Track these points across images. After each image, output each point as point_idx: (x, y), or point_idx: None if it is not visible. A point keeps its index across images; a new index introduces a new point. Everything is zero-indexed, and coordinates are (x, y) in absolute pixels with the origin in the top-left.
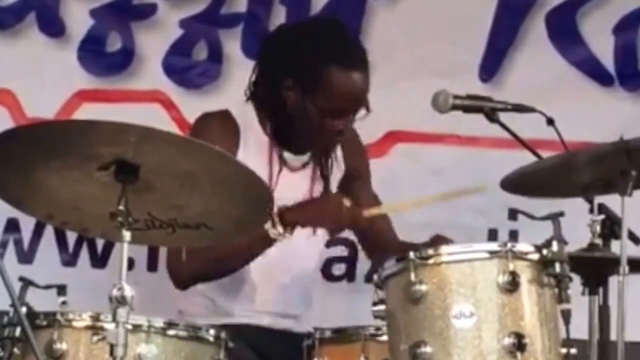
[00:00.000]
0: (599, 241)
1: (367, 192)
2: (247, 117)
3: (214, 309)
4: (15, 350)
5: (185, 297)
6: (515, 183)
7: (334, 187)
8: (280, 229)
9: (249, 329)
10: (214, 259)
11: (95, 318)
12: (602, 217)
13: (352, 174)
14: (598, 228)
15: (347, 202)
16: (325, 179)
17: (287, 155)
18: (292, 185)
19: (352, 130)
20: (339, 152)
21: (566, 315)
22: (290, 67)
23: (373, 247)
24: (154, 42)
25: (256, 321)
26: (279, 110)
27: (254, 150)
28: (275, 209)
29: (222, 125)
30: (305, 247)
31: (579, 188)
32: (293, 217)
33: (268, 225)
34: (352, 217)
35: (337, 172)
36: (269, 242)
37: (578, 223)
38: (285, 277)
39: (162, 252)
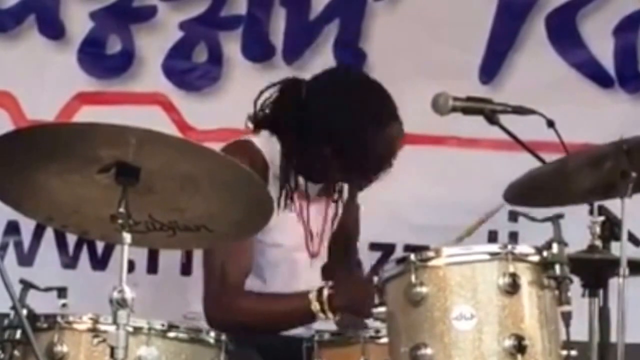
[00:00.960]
0: (598, 243)
1: (355, 256)
2: (272, 150)
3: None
4: (16, 352)
5: (190, 303)
6: (518, 193)
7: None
8: (330, 315)
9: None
10: (252, 324)
11: (96, 320)
12: (601, 218)
13: (346, 233)
14: (598, 230)
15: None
16: (336, 202)
17: (304, 183)
18: (314, 214)
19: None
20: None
21: (566, 317)
22: (329, 136)
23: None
24: (154, 44)
25: None
26: (312, 163)
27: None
28: (326, 291)
29: (250, 160)
30: (310, 270)
31: (579, 194)
32: (341, 304)
33: (316, 307)
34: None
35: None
36: (313, 321)
37: (578, 225)
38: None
39: (162, 255)
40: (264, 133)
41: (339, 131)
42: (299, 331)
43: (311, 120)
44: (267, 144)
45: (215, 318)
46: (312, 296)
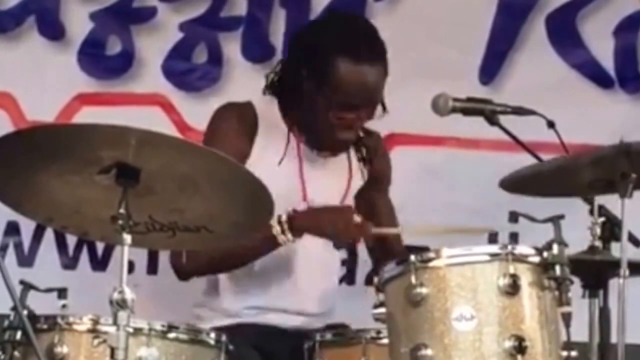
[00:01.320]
0: (599, 244)
1: (385, 201)
2: (269, 108)
3: (221, 310)
4: (16, 353)
5: (191, 305)
6: (515, 184)
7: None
8: (289, 235)
9: (256, 328)
10: (218, 256)
11: (96, 321)
12: (602, 219)
13: (375, 180)
14: (598, 230)
15: (357, 218)
16: (351, 177)
17: (308, 151)
18: (317, 180)
19: (374, 134)
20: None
21: (567, 318)
22: (306, 57)
23: (380, 255)
24: (154, 45)
25: (263, 320)
26: (297, 102)
27: (272, 140)
28: (285, 215)
29: (239, 115)
30: (323, 248)
31: (579, 191)
32: (302, 224)
33: (277, 230)
34: (360, 232)
35: (358, 178)
36: (275, 245)
37: (578, 225)
38: (302, 274)
39: (162, 255)
40: (268, 96)
41: (316, 55)
42: (308, 326)
43: (295, 48)
44: (267, 103)
45: (183, 265)
46: (273, 221)
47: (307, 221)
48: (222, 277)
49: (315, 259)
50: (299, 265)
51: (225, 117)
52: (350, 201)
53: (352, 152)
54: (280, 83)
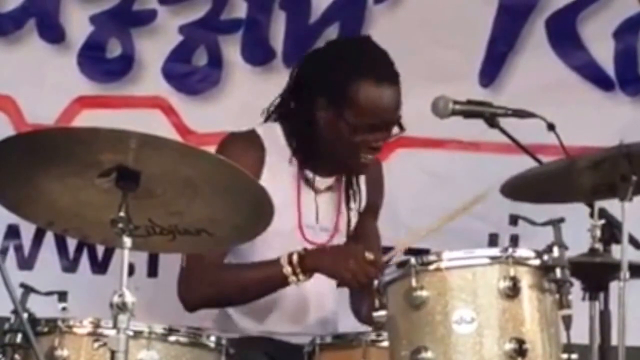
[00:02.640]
0: (599, 246)
1: (373, 228)
2: (273, 135)
3: (226, 326)
4: (16, 356)
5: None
6: (515, 189)
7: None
8: (301, 276)
9: (261, 340)
10: (226, 292)
11: (96, 324)
12: (602, 222)
13: (369, 208)
14: (598, 233)
15: (370, 256)
16: (349, 209)
17: (311, 176)
18: (319, 208)
19: (377, 164)
20: (362, 184)
21: (567, 321)
22: (322, 85)
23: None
24: (154, 48)
25: (269, 335)
26: (310, 130)
27: (278, 169)
28: (296, 255)
29: (247, 145)
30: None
31: (579, 193)
32: (314, 265)
33: (287, 270)
34: (373, 271)
35: (359, 206)
36: (285, 284)
37: (579, 228)
38: (300, 300)
39: (162, 258)
40: (269, 123)
41: (333, 82)
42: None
43: (305, 78)
44: (270, 131)
45: (192, 294)
46: (284, 260)
47: (319, 262)
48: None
49: (322, 281)
50: (308, 289)
51: (232, 148)
52: (338, 237)
53: (346, 184)
54: (284, 108)
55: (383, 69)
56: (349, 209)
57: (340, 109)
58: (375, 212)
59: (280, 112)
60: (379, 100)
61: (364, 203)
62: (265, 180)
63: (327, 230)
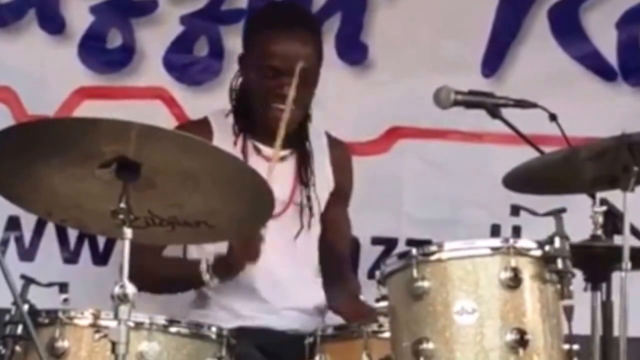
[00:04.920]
0: (600, 232)
1: (344, 215)
2: (223, 120)
3: (225, 315)
4: (17, 348)
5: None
6: (517, 180)
7: (323, 194)
8: (215, 281)
9: (259, 332)
10: (150, 281)
11: (97, 316)
12: (604, 208)
13: (339, 194)
14: (600, 219)
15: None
16: (304, 181)
17: (263, 147)
18: (275, 177)
19: (341, 145)
20: (327, 164)
21: (568, 311)
22: (242, 43)
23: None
24: (155, 38)
25: (265, 323)
26: (243, 97)
27: (227, 144)
28: (211, 259)
29: (193, 132)
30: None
31: (581, 184)
32: (221, 271)
33: (204, 269)
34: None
35: (324, 187)
36: (202, 284)
37: (581, 219)
38: (286, 275)
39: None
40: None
41: (245, 36)
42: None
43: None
44: (221, 116)
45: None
46: (203, 267)
47: (225, 269)
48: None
49: (285, 255)
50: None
51: None
52: (294, 208)
53: (302, 160)
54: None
55: (286, 16)
56: (303, 181)
57: (247, 55)
58: (345, 198)
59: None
60: (277, 42)
61: (331, 184)
62: None
63: (281, 202)
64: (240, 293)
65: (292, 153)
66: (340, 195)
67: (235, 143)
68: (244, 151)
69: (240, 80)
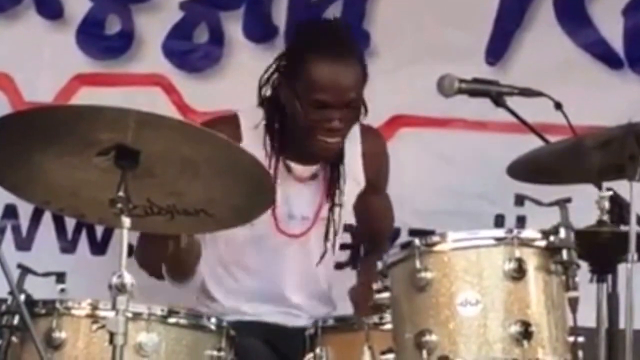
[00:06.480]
0: (606, 218)
1: (382, 203)
2: (253, 120)
3: (222, 310)
4: (14, 338)
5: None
6: (522, 170)
7: (350, 199)
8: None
9: (259, 325)
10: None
11: (95, 306)
12: (609, 193)
13: (374, 185)
14: (606, 205)
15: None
16: (332, 199)
17: (294, 165)
18: (302, 197)
19: (374, 133)
20: (357, 165)
21: (573, 303)
22: (282, 64)
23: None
24: (154, 24)
25: (265, 318)
26: (278, 112)
27: (257, 155)
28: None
29: (222, 129)
30: (290, 250)
31: (587, 174)
32: None
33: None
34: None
35: (354, 186)
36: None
37: (586, 209)
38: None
39: None
40: (256, 107)
41: (289, 58)
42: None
43: (277, 56)
44: (252, 115)
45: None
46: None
47: None
48: (212, 286)
49: (302, 284)
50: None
51: None
52: (318, 227)
53: (332, 179)
54: (267, 98)
55: (335, 46)
56: (330, 196)
57: (293, 84)
58: (376, 187)
59: (262, 97)
60: (327, 75)
61: (362, 184)
62: None
63: (307, 219)
64: (246, 288)
65: (322, 169)
66: (373, 185)
67: (266, 157)
68: (275, 171)
69: (275, 90)
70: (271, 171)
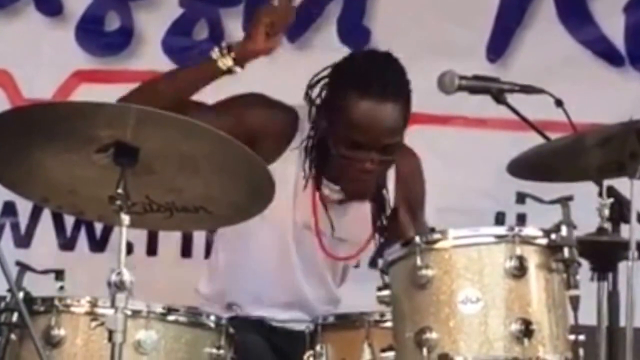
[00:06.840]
0: (607, 225)
1: (418, 222)
2: (304, 124)
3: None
4: (13, 336)
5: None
6: (522, 167)
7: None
8: (229, 60)
9: (260, 323)
10: (153, 89)
11: (94, 303)
12: (611, 200)
13: (408, 204)
14: (607, 212)
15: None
16: (380, 225)
17: (332, 187)
18: (349, 220)
19: (410, 153)
20: (391, 184)
21: (574, 301)
22: (322, 97)
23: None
24: (154, 21)
25: (269, 315)
26: (317, 143)
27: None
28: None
29: (284, 124)
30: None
31: (587, 171)
32: (241, 50)
33: (217, 55)
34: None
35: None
36: (217, 73)
37: (587, 207)
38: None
39: (162, 237)
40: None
41: (328, 91)
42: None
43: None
44: (304, 118)
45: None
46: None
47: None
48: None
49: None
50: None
51: (261, 117)
52: (370, 250)
53: (378, 206)
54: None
55: (377, 83)
56: (380, 231)
57: (329, 120)
58: (416, 209)
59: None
60: (366, 116)
61: (390, 206)
62: (274, 168)
63: (353, 244)
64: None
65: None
66: (404, 202)
67: (303, 180)
68: (313, 201)
69: (315, 122)
70: (309, 200)
